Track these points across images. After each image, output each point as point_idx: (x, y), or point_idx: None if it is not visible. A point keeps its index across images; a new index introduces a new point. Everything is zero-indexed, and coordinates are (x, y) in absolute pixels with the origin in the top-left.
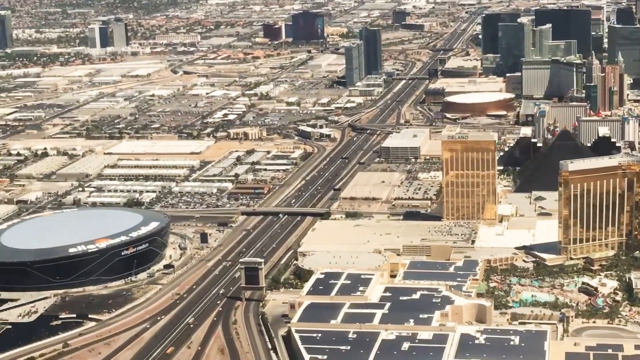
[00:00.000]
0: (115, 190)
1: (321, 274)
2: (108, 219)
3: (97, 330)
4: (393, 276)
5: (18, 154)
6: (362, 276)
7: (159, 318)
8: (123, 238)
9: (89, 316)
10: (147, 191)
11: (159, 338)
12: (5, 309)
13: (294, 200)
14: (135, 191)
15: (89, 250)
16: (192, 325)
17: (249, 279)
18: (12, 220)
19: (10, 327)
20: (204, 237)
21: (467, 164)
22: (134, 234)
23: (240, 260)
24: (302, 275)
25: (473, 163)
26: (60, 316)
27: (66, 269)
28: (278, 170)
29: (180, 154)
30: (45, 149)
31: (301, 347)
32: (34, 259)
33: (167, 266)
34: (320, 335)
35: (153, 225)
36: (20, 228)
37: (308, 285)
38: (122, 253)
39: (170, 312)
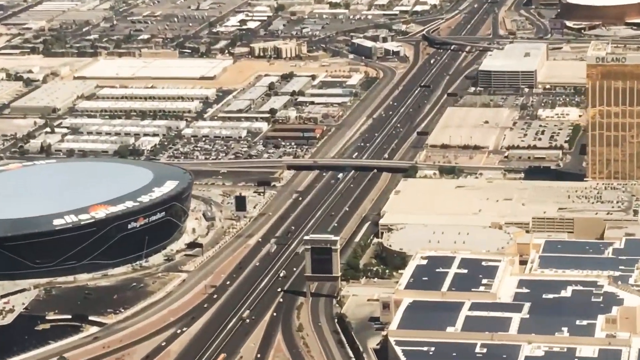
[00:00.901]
0: (99, 133)
1: (422, 258)
2: (104, 177)
3: (104, 339)
4: (522, 262)
5: None
6: (484, 263)
7: (178, 330)
8: (129, 204)
9: (89, 318)
10: (146, 134)
11: (192, 353)
12: None
13: (358, 148)
14: (128, 134)
15: (82, 222)
16: (238, 331)
17: (318, 266)
18: None
19: None
20: (240, 203)
21: (622, 98)
22: (145, 199)
23: (305, 237)
24: (388, 258)
25: (632, 97)
26: (47, 317)
27: (50, 250)
28: (331, 105)
29: (186, 80)
30: None
31: None
32: (3, 235)
33: (191, 245)
34: (433, 350)
35: (170, 186)
36: None
37: (406, 276)
38: (129, 226)
39: (203, 315)
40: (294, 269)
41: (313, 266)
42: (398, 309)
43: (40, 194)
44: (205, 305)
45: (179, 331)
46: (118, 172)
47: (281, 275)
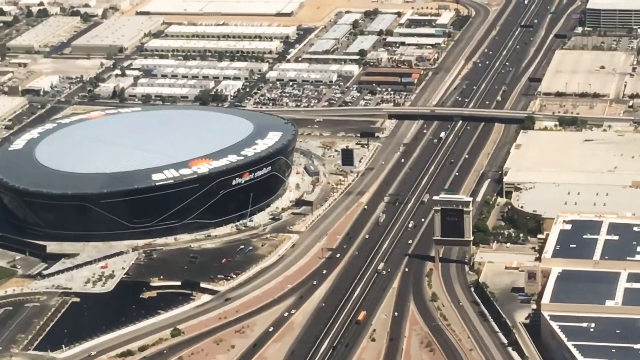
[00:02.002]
0: (175, 76)
1: (566, 223)
2: (198, 127)
3: (219, 309)
4: None
5: (1, 12)
6: (636, 228)
7: (301, 297)
8: (232, 158)
9: (201, 285)
10: (226, 77)
11: (319, 325)
12: (63, 271)
13: (462, 95)
14: (206, 77)
15: (184, 178)
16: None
17: (448, 228)
18: (39, 126)
19: (77, 299)
20: (347, 157)
21: None
22: (248, 152)
23: (434, 198)
24: (520, 221)
25: None
26: (152, 283)
27: (149, 208)
28: (424, 46)
29: (261, 16)
30: (41, 3)
31: (569, 346)
32: (99, 191)
33: (300, 202)
34: (594, 325)
35: (273, 138)
36: (60, 138)
37: (551, 242)
38: (233, 182)
39: (323, 281)
40: (422, 219)
41: (443, 229)
42: (547, 280)
43: (133, 145)
44: (325, 271)
45: (301, 297)
46: (213, 121)
47: (410, 226)
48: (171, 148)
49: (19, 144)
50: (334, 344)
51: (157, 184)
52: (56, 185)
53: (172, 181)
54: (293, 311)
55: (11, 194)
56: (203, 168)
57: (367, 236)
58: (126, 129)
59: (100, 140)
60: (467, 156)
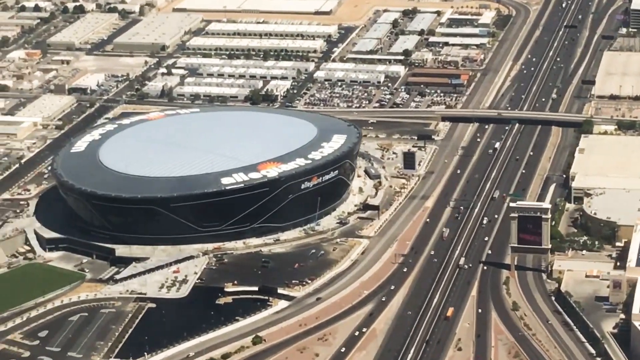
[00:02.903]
0: (221, 75)
1: None
2: (261, 129)
3: (297, 315)
4: None
5: (37, 8)
6: None
7: (382, 299)
8: (300, 162)
9: (278, 291)
10: (273, 77)
11: (401, 333)
12: (135, 275)
13: (514, 98)
14: (253, 77)
15: (254, 182)
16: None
17: (524, 236)
18: (99, 127)
19: (153, 305)
20: (409, 160)
21: None
22: (316, 155)
23: (511, 204)
24: (593, 228)
25: None
26: (227, 289)
27: (218, 212)
28: (469, 46)
29: (301, 14)
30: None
31: None
32: (169, 194)
33: (367, 207)
34: None
35: (338, 141)
36: (124, 140)
37: (634, 251)
38: (302, 186)
39: (400, 287)
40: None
41: (519, 236)
42: (633, 289)
43: (198, 147)
44: (399, 278)
45: (373, 313)
46: (274, 123)
47: (484, 222)
48: (237, 150)
49: (80, 145)
50: (420, 354)
51: (227, 187)
52: (125, 188)
53: (242, 185)
54: (374, 318)
55: (78, 197)
56: (272, 172)
57: (435, 246)
58: (188, 130)
59: (165, 142)
60: (528, 160)
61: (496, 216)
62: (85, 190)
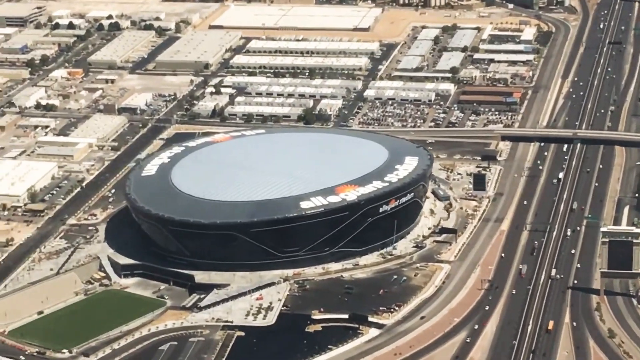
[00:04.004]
0: (270, 94)
1: None
2: (330, 150)
3: (391, 344)
4: None
5: (71, 26)
6: None
7: (475, 327)
8: (377, 184)
9: (368, 319)
10: (323, 96)
11: None
12: (219, 302)
13: (570, 116)
14: (302, 95)
15: (333, 206)
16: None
17: (615, 261)
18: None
19: (242, 333)
20: (479, 181)
21: None
22: (392, 178)
23: (603, 229)
24: None
25: None
26: (314, 317)
27: (298, 237)
28: (516, 63)
29: (339, 31)
30: (110, 16)
31: None
32: (248, 220)
33: (444, 230)
34: None
35: (411, 163)
36: (194, 163)
37: None
38: (380, 209)
39: (491, 315)
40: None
41: (610, 261)
42: None
43: (271, 170)
44: (487, 307)
45: (468, 340)
46: (342, 144)
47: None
48: (312, 173)
49: (150, 169)
50: None
51: (307, 212)
52: (203, 214)
53: (322, 209)
54: (469, 347)
55: (154, 223)
56: (351, 195)
57: (521, 267)
58: (258, 152)
59: (237, 165)
60: (597, 181)
61: (578, 228)
62: (162, 216)
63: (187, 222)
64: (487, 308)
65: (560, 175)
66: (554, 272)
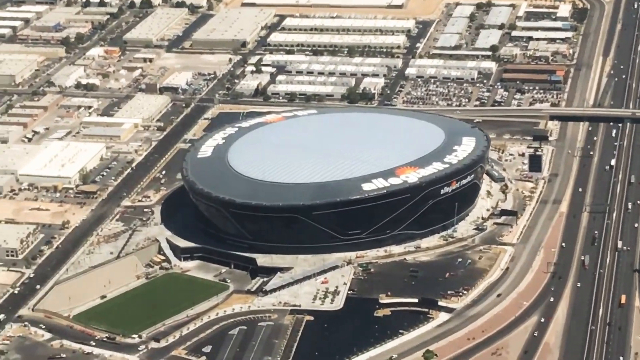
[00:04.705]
0: (310, 72)
1: None
2: (386, 131)
3: (463, 328)
4: None
5: (102, 3)
6: None
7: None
8: (438, 166)
9: (438, 303)
10: (364, 74)
11: (576, 348)
12: (284, 286)
13: (616, 95)
14: (343, 74)
15: (396, 188)
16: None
17: None
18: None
19: (311, 317)
20: (535, 162)
21: None
22: (452, 159)
23: None
24: None
25: None
26: (382, 301)
27: (361, 219)
28: (555, 40)
29: (371, 8)
30: None
31: None
32: (310, 202)
33: (504, 212)
34: None
35: (469, 144)
36: (249, 144)
37: None
38: (441, 191)
39: (560, 299)
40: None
41: None
42: None
43: (329, 151)
44: (553, 288)
45: (542, 320)
46: (396, 124)
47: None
48: (370, 154)
49: (206, 150)
50: None
51: (370, 194)
52: (264, 196)
53: (384, 191)
54: (542, 331)
55: (214, 205)
56: (412, 177)
57: (583, 252)
58: (313, 134)
59: (294, 146)
60: None
61: (638, 202)
62: (223, 198)
63: (248, 204)
64: (552, 299)
65: (613, 161)
66: (619, 244)
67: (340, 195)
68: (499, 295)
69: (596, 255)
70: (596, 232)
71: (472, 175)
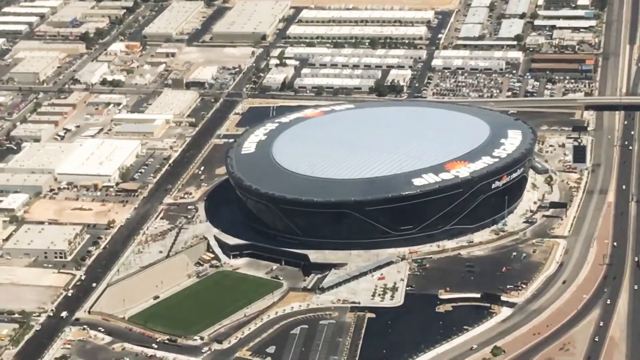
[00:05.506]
0: (334, 65)
1: None
2: (429, 125)
3: (527, 323)
4: None
5: None
6: None
7: (607, 302)
8: (487, 160)
9: (500, 298)
10: (389, 66)
11: None
12: (341, 283)
13: None
14: (368, 66)
15: (448, 183)
16: None
17: None
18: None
19: (372, 314)
20: (579, 153)
21: None
22: (501, 153)
23: None
24: None
25: None
26: (441, 296)
27: (412, 214)
28: (579, 29)
29: None
30: None
31: None
32: (362, 198)
33: (553, 205)
34: None
35: (516, 137)
36: (293, 140)
37: None
38: (492, 186)
39: (619, 291)
40: None
41: None
42: None
43: (375, 146)
44: (615, 278)
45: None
46: (438, 117)
47: None
48: (418, 149)
49: (249, 147)
50: None
51: (422, 189)
52: (313, 191)
53: (436, 186)
54: (605, 324)
55: (263, 202)
56: (463, 171)
57: (637, 258)
58: (354, 128)
59: (337, 142)
60: None
61: None
62: (272, 194)
63: (299, 200)
64: (608, 302)
65: None
66: None
67: (392, 191)
68: (564, 282)
69: None
70: None
71: (522, 169)
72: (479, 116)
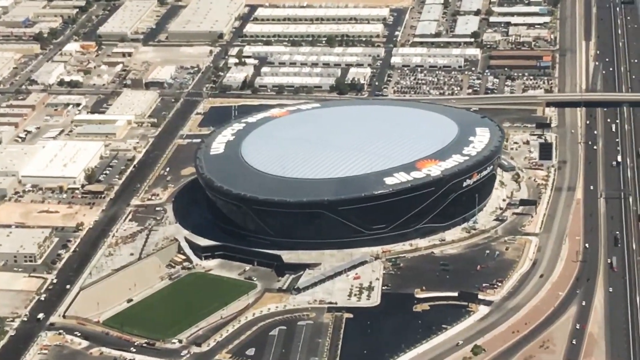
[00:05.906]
0: (293, 64)
1: None
2: (396, 124)
3: (506, 322)
4: None
5: None
6: None
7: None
8: (457, 159)
9: (478, 296)
10: (349, 64)
11: (622, 338)
12: (316, 283)
13: (607, 79)
14: (327, 64)
15: (418, 182)
16: None
17: None
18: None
19: (350, 315)
20: (545, 150)
21: None
22: (470, 151)
23: None
24: None
25: None
26: (417, 295)
27: (385, 213)
28: (533, 26)
29: None
30: None
31: None
32: (334, 197)
33: (523, 202)
34: None
35: (485, 135)
36: (261, 140)
37: None
38: (464, 184)
39: (594, 288)
40: None
41: None
42: None
43: (344, 145)
44: (589, 279)
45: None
46: (405, 116)
47: None
48: (387, 148)
49: (218, 147)
50: None
51: (395, 188)
52: (286, 192)
53: (409, 185)
54: (583, 322)
55: (235, 202)
56: (434, 170)
57: (610, 260)
58: (323, 128)
59: (307, 142)
60: None
61: None
62: (244, 195)
63: (271, 201)
64: (584, 303)
65: (619, 158)
66: None
67: (365, 190)
68: (541, 276)
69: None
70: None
71: (492, 167)
72: (446, 114)
